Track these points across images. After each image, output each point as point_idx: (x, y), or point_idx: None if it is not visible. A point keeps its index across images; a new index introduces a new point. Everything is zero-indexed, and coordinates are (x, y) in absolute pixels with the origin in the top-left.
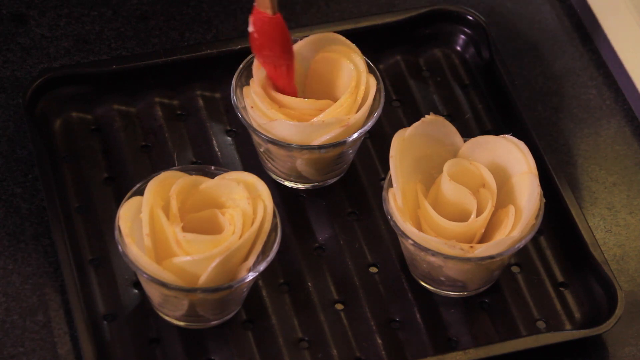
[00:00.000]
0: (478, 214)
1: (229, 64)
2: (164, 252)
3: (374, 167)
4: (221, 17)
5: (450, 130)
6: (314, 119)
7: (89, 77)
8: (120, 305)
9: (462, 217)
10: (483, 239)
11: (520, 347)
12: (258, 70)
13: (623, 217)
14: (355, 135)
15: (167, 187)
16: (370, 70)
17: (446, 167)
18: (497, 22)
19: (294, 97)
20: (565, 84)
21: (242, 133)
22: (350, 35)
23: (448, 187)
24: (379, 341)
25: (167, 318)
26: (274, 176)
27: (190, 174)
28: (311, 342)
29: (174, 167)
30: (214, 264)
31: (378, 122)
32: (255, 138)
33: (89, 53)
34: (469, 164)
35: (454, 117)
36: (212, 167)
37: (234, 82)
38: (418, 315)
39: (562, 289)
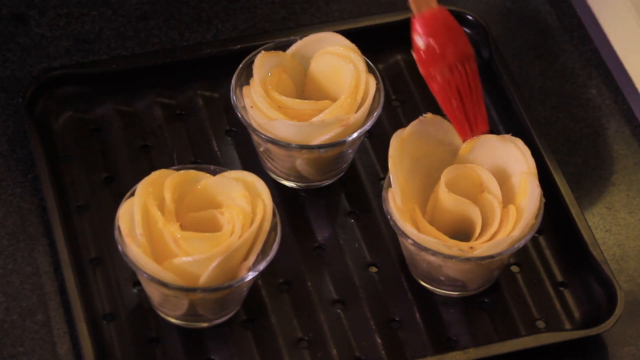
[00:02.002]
0: (483, 218)
1: (229, 64)
2: (162, 252)
3: (374, 167)
4: (221, 17)
5: (449, 130)
6: (314, 118)
7: (88, 77)
8: (120, 305)
9: (464, 224)
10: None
11: (520, 346)
12: (258, 70)
13: (622, 217)
14: (354, 135)
15: (160, 186)
16: (370, 70)
17: (444, 176)
18: (497, 22)
19: (294, 99)
20: (565, 83)
21: (241, 133)
22: (350, 34)
23: (446, 198)
24: (379, 341)
25: (166, 318)
26: (273, 176)
27: None
28: (311, 341)
29: (173, 167)
30: (214, 263)
31: (378, 122)
32: (255, 138)
33: (89, 53)
34: (466, 168)
35: None
36: (212, 167)
37: (233, 81)
38: (418, 315)
39: (561, 288)
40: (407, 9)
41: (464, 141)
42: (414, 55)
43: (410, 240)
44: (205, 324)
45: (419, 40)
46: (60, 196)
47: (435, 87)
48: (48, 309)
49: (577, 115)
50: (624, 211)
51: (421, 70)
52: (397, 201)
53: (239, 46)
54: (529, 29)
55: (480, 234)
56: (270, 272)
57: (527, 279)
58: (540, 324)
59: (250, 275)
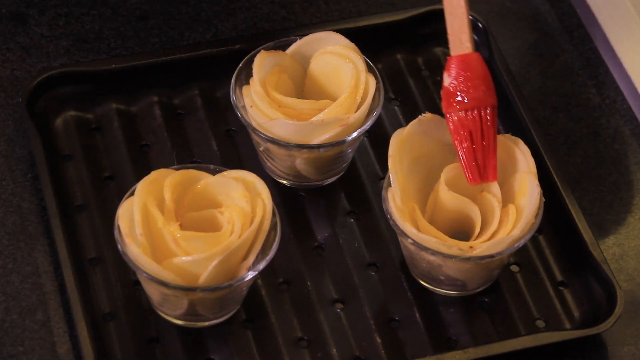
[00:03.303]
0: (483, 218)
1: (229, 63)
2: (162, 251)
3: (373, 167)
4: (221, 17)
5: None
6: (314, 118)
7: (88, 76)
8: (120, 304)
9: (464, 223)
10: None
11: (520, 346)
12: (258, 70)
13: (622, 217)
14: (354, 135)
15: (159, 186)
16: (370, 69)
17: (444, 174)
18: (497, 22)
19: (294, 98)
20: (565, 83)
21: (241, 132)
22: (350, 34)
23: (446, 197)
24: (379, 340)
25: (166, 317)
26: (273, 175)
27: None
28: (310, 341)
29: (172, 167)
30: (214, 263)
31: (377, 122)
32: (254, 137)
33: (89, 52)
34: None
35: None
36: (212, 167)
37: (233, 81)
38: (417, 315)
39: (561, 288)
40: (407, 8)
41: (470, 183)
42: (441, 92)
43: (410, 240)
44: (205, 324)
45: (446, 79)
46: (60, 196)
47: (451, 127)
48: (48, 309)
49: (577, 115)
50: (623, 211)
51: (442, 107)
52: (397, 201)
53: (238, 46)
54: (529, 29)
55: (480, 233)
56: (270, 271)
57: (527, 278)
58: (540, 323)
59: (250, 275)
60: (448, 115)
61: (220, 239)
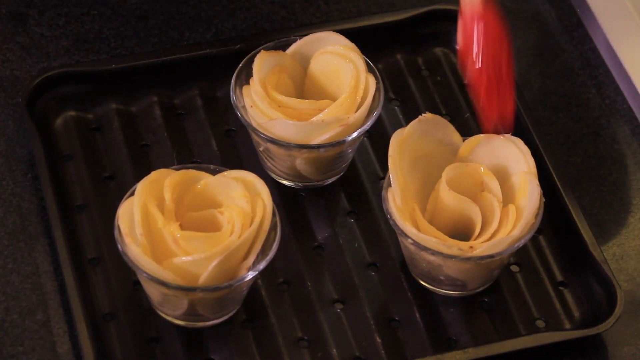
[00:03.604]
0: (483, 218)
1: (229, 63)
2: (162, 251)
3: (374, 167)
4: (221, 17)
5: (449, 130)
6: (314, 118)
7: (88, 76)
8: (120, 304)
9: (464, 223)
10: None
11: (520, 346)
12: (258, 70)
13: (622, 217)
14: (354, 135)
15: (159, 186)
16: (370, 69)
17: (445, 174)
18: None
19: (294, 98)
20: (565, 83)
21: (241, 132)
22: (350, 34)
23: (447, 196)
24: (379, 340)
25: (166, 317)
26: (273, 175)
27: None
28: (310, 341)
29: (172, 167)
30: (214, 263)
31: (377, 122)
32: (254, 137)
33: (89, 52)
34: (468, 167)
35: (454, 117)
36: (212, 167)
37: (233, 81)
38: (417, 315)
39: (561, 288)
40: (407, 8)
41: (485, 131)
42: (457, 53)
43: (410, 240)
44: (205, 324)
45: (459, 39)
46: (60, 196)
47: (470, 80)
48: (48, 309)
49: (577, 115)
50: (623, 211)
51: (458, 61)
52: (397, 201)
53: (238, 46)
54: (529, 29)
55: (480, 233)
56: (270, 271)
57: (527, 278)
58: (540, 323)
59: (250, 275)
60: (468, 70)
61: (220, 239)
